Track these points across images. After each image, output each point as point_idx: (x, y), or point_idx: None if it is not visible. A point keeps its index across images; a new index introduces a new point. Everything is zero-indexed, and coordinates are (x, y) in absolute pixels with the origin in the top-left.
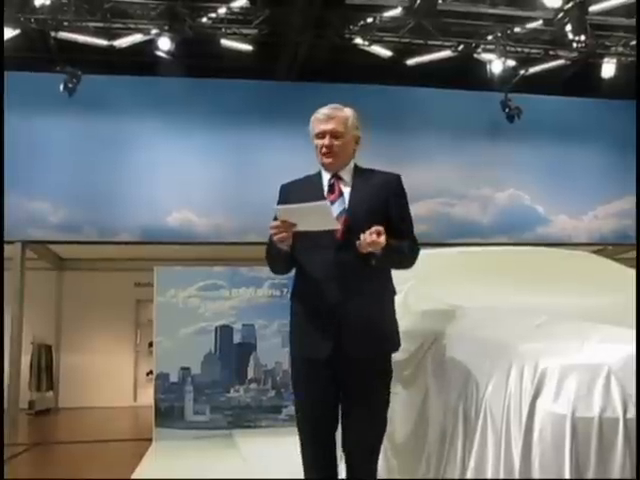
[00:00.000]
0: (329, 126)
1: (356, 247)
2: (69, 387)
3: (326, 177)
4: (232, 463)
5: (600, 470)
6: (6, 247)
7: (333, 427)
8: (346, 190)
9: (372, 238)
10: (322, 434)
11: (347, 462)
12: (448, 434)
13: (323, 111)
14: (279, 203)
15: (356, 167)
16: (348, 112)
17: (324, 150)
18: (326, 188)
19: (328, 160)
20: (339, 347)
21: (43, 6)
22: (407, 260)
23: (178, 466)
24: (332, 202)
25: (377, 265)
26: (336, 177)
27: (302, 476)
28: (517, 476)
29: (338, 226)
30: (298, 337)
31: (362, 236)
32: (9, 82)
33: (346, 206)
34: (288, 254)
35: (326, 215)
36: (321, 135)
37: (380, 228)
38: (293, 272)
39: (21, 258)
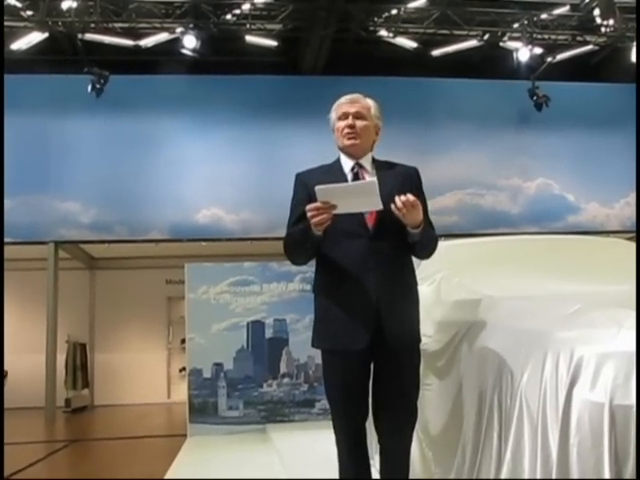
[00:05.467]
0: (352, 109)
1: (389, 236)
2: (104, 385)
3: (347, 164)
4: (266, 457)
5: None
6: (39, 248)
7: (365, 420)
8: (368, 178)
9: (411, 199)
10: (356, 427)
11: (381, 453)
12: (483, 424)
13: (346, 97)
14: (299, 192)
15: (373, 159)
16: (370, 101)
17: (347, 131)
18: (349, 176)
19: (350, 142)
20: (379, 338)
21: (70, 9)
22: (433, 247)
23: (213, 461)
24: None
25: (412, 243)
26: (358, 165)
27: (336, 469)
28: (555, 466)
29: (381, 207)
30: (331, 330)
31: (398, 199)
32: (39, 85)
33: None
34: (320, 241)
35: (373, 194)
36: (344, 116)
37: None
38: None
39: (54, 258)
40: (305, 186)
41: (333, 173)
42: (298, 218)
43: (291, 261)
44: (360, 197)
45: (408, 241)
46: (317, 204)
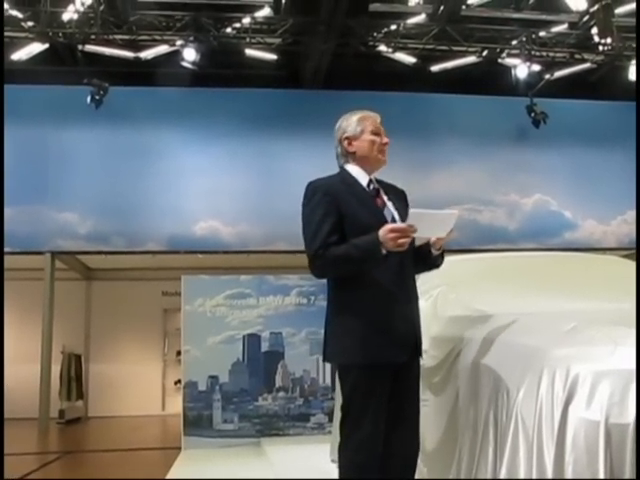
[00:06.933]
0: (382, 127)
1: (409, 252)
2: (98, 396)
3: (364, 179)
4: (260, 471)
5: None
6: (36, 258)
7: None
8: (384, 196)
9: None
10: (379, 440)
11: (390, 460)
12: (479, 441)
13: (373, 112)
14: (327, 203)
15: None
16: None
17: (383, 148)
18: (370, 190)
19: (384, 157)
20: (416, 350)
21: (71, 20)
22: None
23: (207, 474)
24: (381, 207)
25: (432, 264)
26: (371, 181)
27: None
28: None
29: (444, 235)
30: (371, 344)
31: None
32: (39, 95)
33: (394, 213)
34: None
35: (449, 224)
36: (378, 132)
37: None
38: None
39: (51, 269)
40: (329, 196)
41: (354, 187)
42: (331, 231)
43: (323, 276)
44: (438, 225)
45: (428, 260)
46: (404, 226)
